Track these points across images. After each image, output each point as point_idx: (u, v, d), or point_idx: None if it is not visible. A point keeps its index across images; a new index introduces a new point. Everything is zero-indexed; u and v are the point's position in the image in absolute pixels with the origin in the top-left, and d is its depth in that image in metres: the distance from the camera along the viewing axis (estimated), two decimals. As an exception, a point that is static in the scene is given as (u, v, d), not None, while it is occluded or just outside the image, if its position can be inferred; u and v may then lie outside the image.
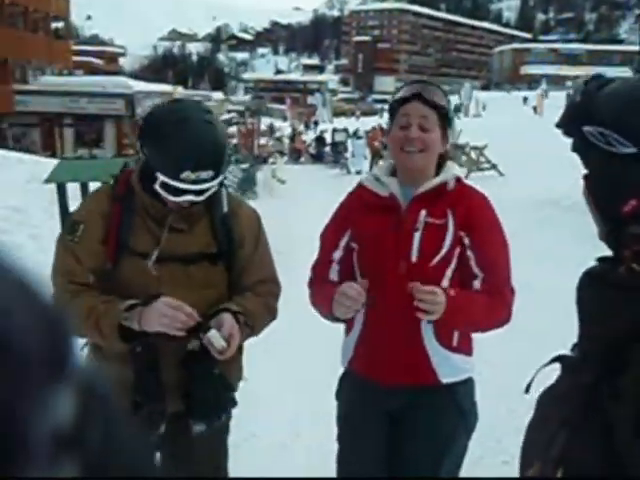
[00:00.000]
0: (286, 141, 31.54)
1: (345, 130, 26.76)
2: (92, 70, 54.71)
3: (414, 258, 2.04)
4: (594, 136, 1.15)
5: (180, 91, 66.73)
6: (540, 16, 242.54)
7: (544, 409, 1.28)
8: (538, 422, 1.29)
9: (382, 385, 2.14)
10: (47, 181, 5.63)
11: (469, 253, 2.06)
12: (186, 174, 1.84)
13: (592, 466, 1.13)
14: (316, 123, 44.51)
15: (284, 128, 38.68)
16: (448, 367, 2.10)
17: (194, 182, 1.85)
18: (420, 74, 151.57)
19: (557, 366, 1.29)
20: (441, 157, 2.15)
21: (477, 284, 2.07)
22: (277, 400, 4.18)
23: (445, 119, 2.10)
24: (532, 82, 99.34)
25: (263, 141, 32.25)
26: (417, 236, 2.04)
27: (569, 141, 1.24)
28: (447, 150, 2.17)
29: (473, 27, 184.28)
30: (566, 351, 1.30)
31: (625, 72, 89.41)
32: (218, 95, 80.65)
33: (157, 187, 1.91)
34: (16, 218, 8.44)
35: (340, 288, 1.99)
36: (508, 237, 2.15)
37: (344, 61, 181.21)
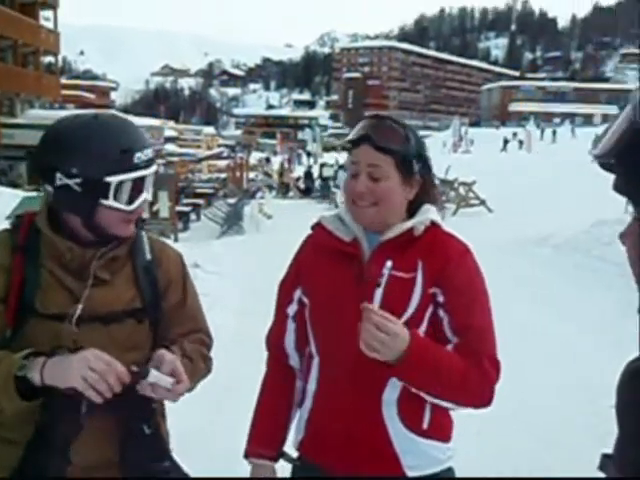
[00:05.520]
0: (275, 176, 31.50)
1: (335, 165, 26.65)
2: (83, 104, 54.61)
3: None
4: None
5: (171, 125, 67.11)
6: (527, 55, 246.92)
7: None
8: None
9: (337, 476, 1.71)
10: (8, 217, 5.39)
11: (442, 313, 1.67)
12: (138, 155, 1.60)
13: None
14: (308, 154, 44.39)
15: (275, 163, 38.65)
16: (416, 456, 1.67)
17: (148, 162, 1.63)
18: (410, 110, 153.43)
19: None
20: (417, 199, 1.75)
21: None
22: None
23: (405, 163, 1.69)
24: (520, 119, 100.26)
25: (252, 175, 32.22)
26: (379, 293, 1.65)
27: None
28: (435, 190, 1.81)
29: (462, 65, 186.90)
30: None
31: (612, 110, 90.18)
32: (209, 130, 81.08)
33: (110, 202, 1.60)
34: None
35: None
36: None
37: (335, 97, 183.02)
